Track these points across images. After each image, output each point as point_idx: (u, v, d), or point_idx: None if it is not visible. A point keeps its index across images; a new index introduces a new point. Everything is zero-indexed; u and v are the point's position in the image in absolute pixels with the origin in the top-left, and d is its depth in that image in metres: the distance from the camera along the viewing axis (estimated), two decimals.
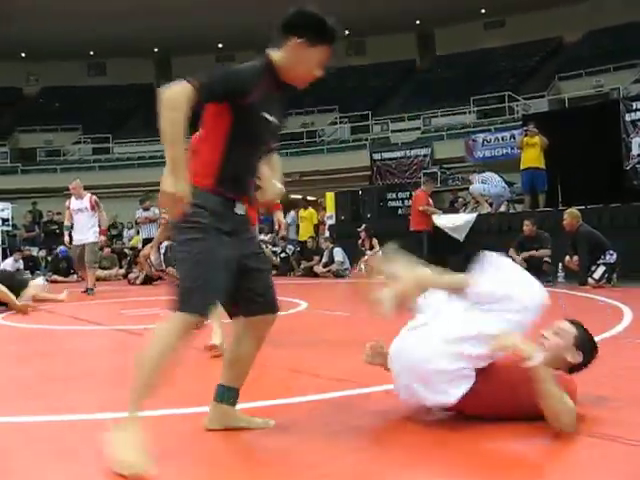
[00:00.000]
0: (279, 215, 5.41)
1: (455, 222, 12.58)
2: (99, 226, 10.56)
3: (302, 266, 15.15)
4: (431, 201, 13.19)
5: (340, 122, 26.99)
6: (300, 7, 2.66)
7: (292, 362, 3.98)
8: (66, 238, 10.83)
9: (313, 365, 3.92)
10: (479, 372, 2.58)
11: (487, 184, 13.05)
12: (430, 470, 2.16)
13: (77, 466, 2.33)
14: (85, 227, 10.41)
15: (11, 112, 31.37)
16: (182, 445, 2.49)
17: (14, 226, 19.14)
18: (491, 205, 13.02)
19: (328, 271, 14.02)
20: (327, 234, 15.60)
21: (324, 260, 14.31)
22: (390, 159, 22.65)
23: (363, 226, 13.86)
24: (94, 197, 10.69)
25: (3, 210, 18.27)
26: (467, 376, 2.56)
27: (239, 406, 2.73)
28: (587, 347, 2.80)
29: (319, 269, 14.27)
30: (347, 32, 30.47)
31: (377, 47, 30.29)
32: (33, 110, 31.14)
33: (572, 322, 2.85)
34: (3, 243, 17.70)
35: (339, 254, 14.01)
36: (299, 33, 2.66)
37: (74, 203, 10.55)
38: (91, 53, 31.57)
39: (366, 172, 23.04)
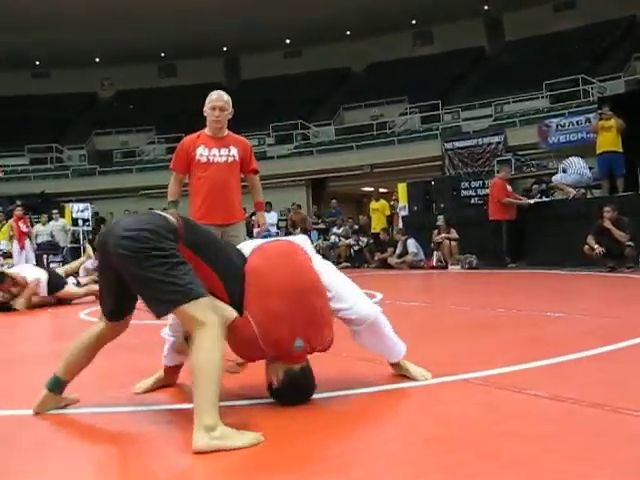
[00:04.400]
0: (259, 216, 5.71)
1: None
2: None
3: (376, 258, 15.15)
4: (509, 187, 12.93)
5: (410, 112, 26.79)
6: None
7: (368, 352, 3.98)
8: None
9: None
10: None
11: (566, 172, 12.73)
12: (517, 462, 2.13)
13: (156, 455, 2.39)
14: None
15: (88, 116, 32.28)
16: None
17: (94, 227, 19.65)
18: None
19: (402, 262, 13.97)
20: (400, 225, 15.53)
21: (398, 251, 14.26)
22: (462, 148, 22.38)
23: (441, 217, 13.73)
24: None
25: (83, 211, 18.80)
26: None
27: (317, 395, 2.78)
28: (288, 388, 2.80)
29: (393, 260, 14.23)
30: (413, 22, 30.31)
31: (444, 35, 29.96)
32: (108, 113, 31.95)
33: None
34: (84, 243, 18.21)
35: (413, 245, 13.94)
36: None
37: None
38: (162, 55, 32.17)
39: (438, 162, 22.83)
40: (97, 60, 32.08)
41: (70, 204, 19.27)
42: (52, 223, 17.56)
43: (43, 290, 8.70)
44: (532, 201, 12.83)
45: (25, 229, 15.17)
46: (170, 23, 27.60)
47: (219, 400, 2.39)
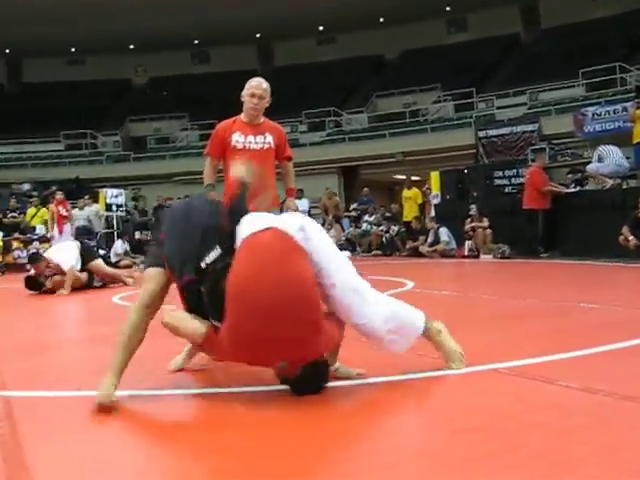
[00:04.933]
0: (290, 202, 5.59)
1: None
2: None
3: (407, 246, 15.10)
4: (546, 176, 12.81)
5: (443, 100, 26.59)
6: None
7: None
8: None
9: (420, 343, 3.90)
10: None
11: (602, 162, 12.51)
12: (547, 453, 2.12)
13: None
14: None
15: (122, 103, 32.51)
16: (269, 416, 2.54)
17: (127, 212, 19.84)
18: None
19: (434, 251, 13.90)
20: (432, 214, 15.45)
21: (430, 240, 14.20)
22: (496, 136, 22.16)
23: (474, 206, 13.63)
24: None
25: (117, 196, 18.99)
26: None
27: (349, 382, 2.77)
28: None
29: (425, 249, 14.17)
30: (447, 9, 30.04)
31: (479, 22, 29.63)
32: (142, 100, 32.14)
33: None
34: (118, 228, 18.41)
35: (445, 234, 13.87)
36: None
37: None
38: (195, 42, 32.28)
39: (471, 150, 22.66)
40: (131, 47, 32.27)
41: (104, 190, 19.46)
42: (87, 208, 17.78)
43: (76, 262, 8.91)
44: (570, 190, 12.67)
45: (65, 213, 15.34)
46: (204, 10, 27.66)
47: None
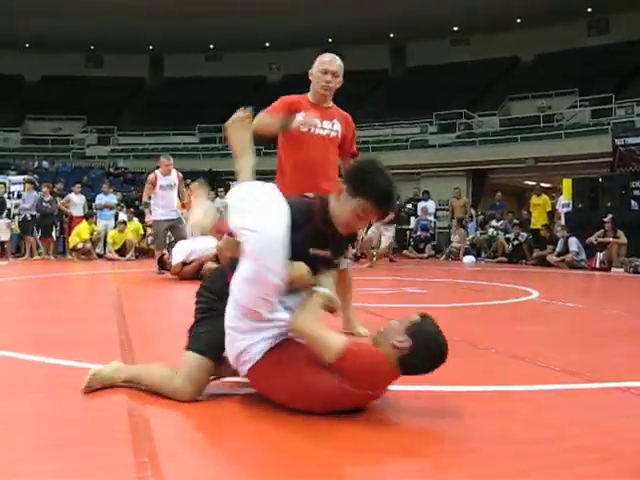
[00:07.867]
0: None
1: None
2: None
3: (534, 254, 14.73)
4: None
5: (580, 105, 25.71)
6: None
7: (520, 350, 3.89)
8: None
9: (542, 354, 3.82)
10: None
11: None
12: None
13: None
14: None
15: (257, 98, 33.32)
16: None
17: None
18: None
19: (562, 261, 13.49)
20: (563, 222, 15.00)
21: (558, 249, 13.79)
22: (635, 144, 21.21)
23: (609, 216, 13.13)
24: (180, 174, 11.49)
25: None
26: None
27: (468, 388, 2.75)
28: (421, 339, 2.48)
29: (552, 258, 13.77)
30: (589, 10, 28.96)
31: (622, 24, 28.36)
32: (275, 96, 32.75)
33: (422, 315, 2.59)
34: None
35: (574, 244, 13.43)
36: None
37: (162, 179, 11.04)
38: (329, 41, 32.61)
39: (607, 158, 21.78)
40: (266, 45, 33.02)
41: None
42: (218, 200, 18.38)
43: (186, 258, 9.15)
44: None
45: None
46: (338, 9, 27.95)
47: None
